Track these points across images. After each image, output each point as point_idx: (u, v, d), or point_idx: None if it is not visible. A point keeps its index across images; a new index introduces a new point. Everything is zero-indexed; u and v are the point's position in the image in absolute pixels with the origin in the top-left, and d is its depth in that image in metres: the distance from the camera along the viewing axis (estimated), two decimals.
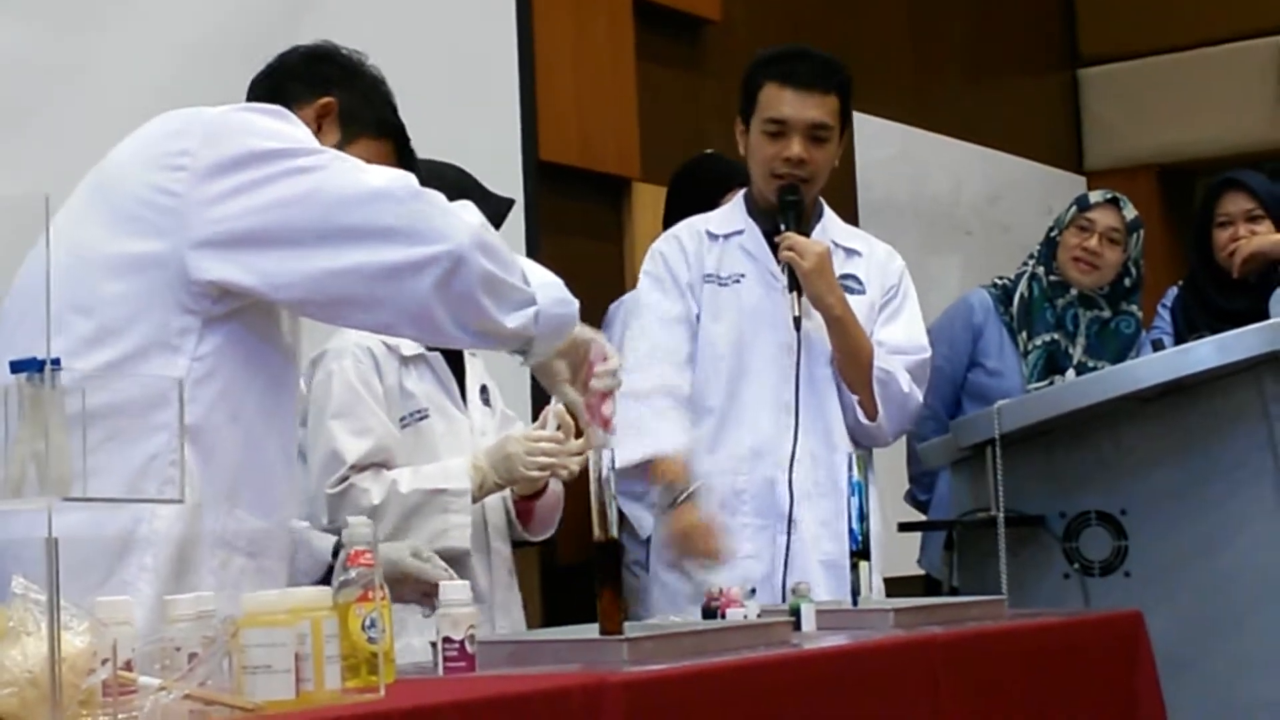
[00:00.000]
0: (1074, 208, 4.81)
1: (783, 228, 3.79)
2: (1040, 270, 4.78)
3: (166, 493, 2.35)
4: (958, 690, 2.85)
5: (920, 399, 3.87)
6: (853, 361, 3.77)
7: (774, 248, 3.82)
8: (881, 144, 7.07)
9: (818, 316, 3.75)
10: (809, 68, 3.85)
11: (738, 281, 3.86)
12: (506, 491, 3.53)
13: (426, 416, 3.46)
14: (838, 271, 3.79)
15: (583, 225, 5.33)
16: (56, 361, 1.75)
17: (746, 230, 3.90)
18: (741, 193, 3.99)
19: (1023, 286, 4.78)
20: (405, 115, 4.58)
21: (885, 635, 2.95)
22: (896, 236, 6.98)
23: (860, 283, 3.89)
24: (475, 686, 2.16)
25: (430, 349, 3.45)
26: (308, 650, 1.97)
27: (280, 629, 1.95)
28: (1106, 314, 4.74)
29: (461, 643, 2.37)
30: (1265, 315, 4.11)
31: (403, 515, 3.33)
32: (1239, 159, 7.74)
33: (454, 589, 2.41)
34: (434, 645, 2.40)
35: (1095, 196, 4.82)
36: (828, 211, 3.96)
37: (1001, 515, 4.15)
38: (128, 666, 1.89)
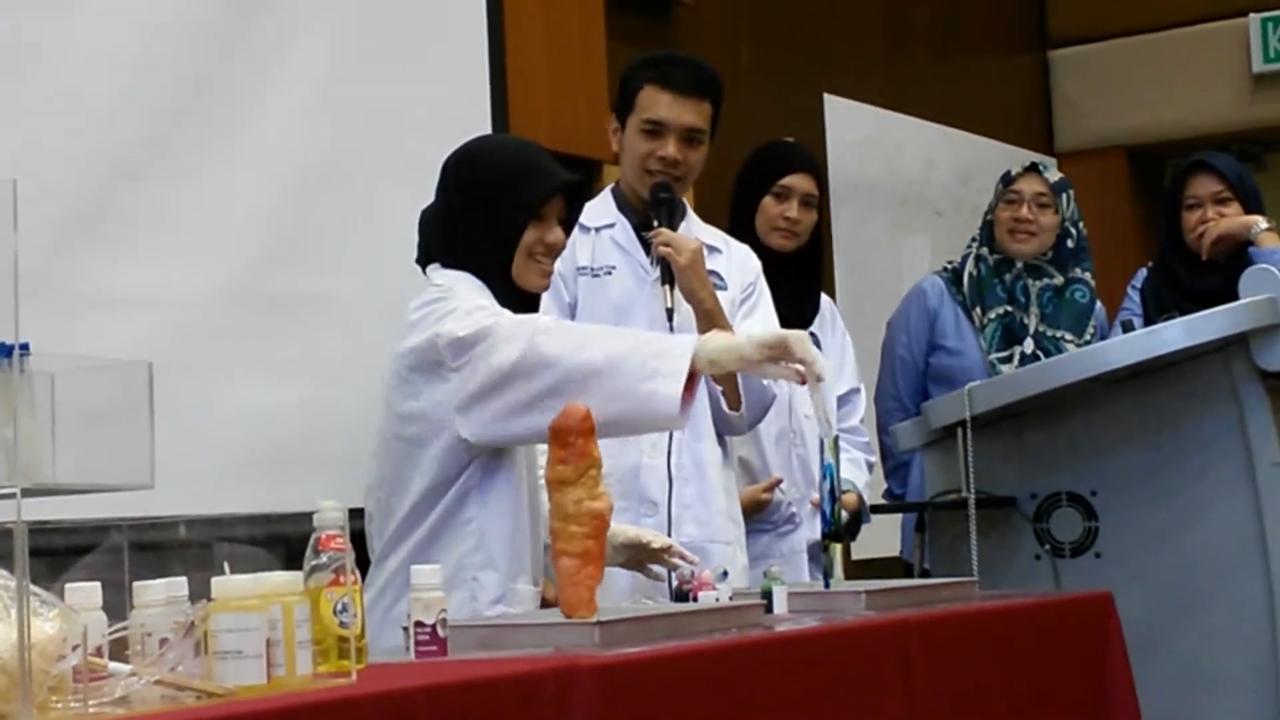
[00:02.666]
0: (999, 184, 4.89)
1: (656, 223, 3.88)
2: (984, 251, 4.84)
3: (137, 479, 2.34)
4: (930, 671, 2.85)
5: (776, 393, 3.92)
6: None
7: (644, 242, 3.91)
8: (853, 125, 7.07)
9: (686, 309, 3.80)
10: (687, 74, 3.95)
11: (609, 273, 3.94)
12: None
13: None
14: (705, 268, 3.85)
15: None
16: (25, 346, 1.74)
17: (618, 224, 3.99)
18: (609, 187, 4.05)
19: (970, 266, 4.85)
20: (371, 95, 4.59)
21: (857, 617, 2.95)
22: (868, 217, 7.05)
23: (722, 279, 3.98)
24: (446, 670, 2.16)
25: None
26: (279, 635, 1.97)
27: (251, 614, 1.94)
28: (1058, 280, 4.80)
29: (433, 627, 2.36)
30: (1234, 296, 4.12)
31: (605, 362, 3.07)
32: (1208, 140, 7.78)
33: (424, 573, 2.40)
34: (405, 630, 2.40)
35: (1016, 169, 4.90)
36: (690, 211, 4.06)
37: (972, 497, 4.16)
38: (98, 653, 1.88)
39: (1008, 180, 4.87)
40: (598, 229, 3.98)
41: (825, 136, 6.84)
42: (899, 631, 2.86)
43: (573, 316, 3.89)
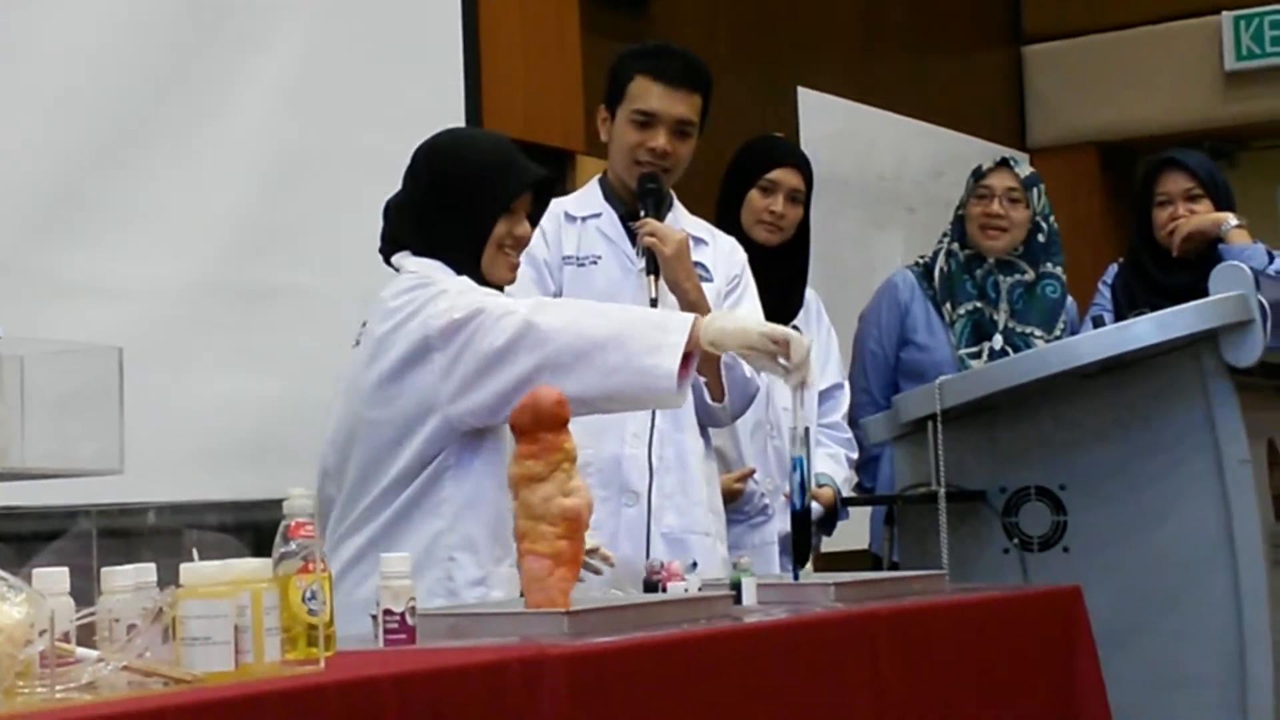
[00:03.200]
0: (970, 179, 4.90)
1: (642, 213, 3.88)
2: (955, 246, 4.87)
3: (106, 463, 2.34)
4: (898, 664, 2.86)
5: (760, 385, 3.93)
6: None
7: (630, 232, 3.91)
8: (826, 119, 7.08)
9: (670, 300, 3.81)
10: (679, 66, 3.96)
11: (594, 263, 3.94)
12: None
13: None
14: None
15: None
16: None
17: (604, 213, 3.99)
18: (597, 177, 4.05)
19: (941, 261, 4.87)
20: (345, 85, 4.58)
21: (826, 609, 2.95)
22: (840, 212, 7.05)
23: (708, 270, 3.98)
24: (415, 659, 2.15)
25: None
26: (247, 622, 1.96)
27: (220, 600, 1.94)
28: (1029, 276, 4.81)
29: (402, 615, 2.36)
30: (1205, 292, 4.13)
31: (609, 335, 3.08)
32: (1180, 137, 7.80)
33: (394, 560, 2.40)
34: (374, 618, 2.40)
35: (987, 164, 4.92)
36: (677, 202, 4.05)
37: (942, 490, 4.17)
38: (65, 638, 1.88)
39: (979, 175, 4.88)
40: (584, 218, 3.98)
41: (798, 130, 6.84)
42: (868, 624, 2.86)
43: None
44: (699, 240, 3.99)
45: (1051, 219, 4.87)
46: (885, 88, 7.54)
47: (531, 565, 2.59)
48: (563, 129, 5.62)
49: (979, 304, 4.80)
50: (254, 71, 4.32)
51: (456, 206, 3.28)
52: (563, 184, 5.62)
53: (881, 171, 7.47)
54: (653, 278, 3.81)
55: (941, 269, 4.86)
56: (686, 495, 3.85)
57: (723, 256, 4.05)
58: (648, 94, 3.92)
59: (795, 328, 4.31)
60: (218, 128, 4.20)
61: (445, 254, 3.28)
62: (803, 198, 4.48)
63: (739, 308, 3.98)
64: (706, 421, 3.92)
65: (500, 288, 3.31)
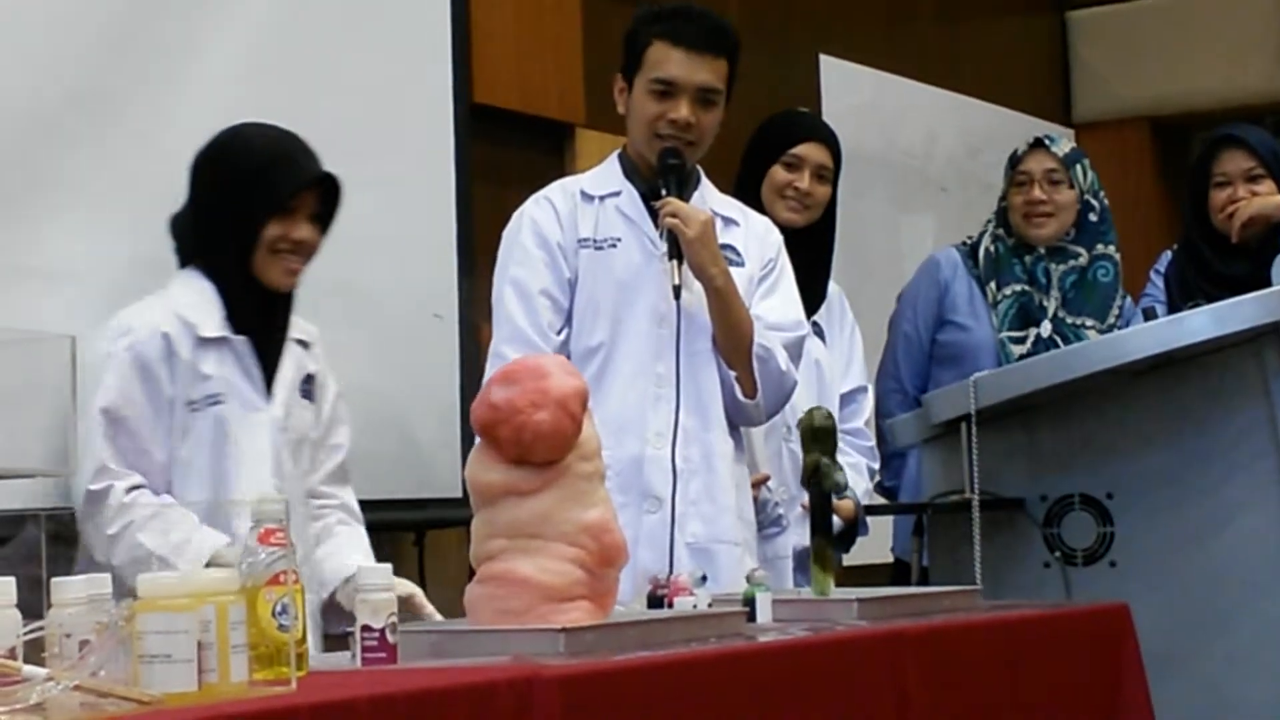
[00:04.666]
0: (1007, 168, 4.92)
1: (664, 192, 3.86)
2: (1000, 232, 4.86)
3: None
4: (927, 688, 2.86)
5: (796, 379, 3.93)
6: (733, 336, 3.84)
7: (652, 212, 3.90)
8: (849, 90, 7.08)
9: (697, 287, 3.81)
10: (700, 29, 3.94)
11: (614, 246, 3.92)
12: None
13: (220, 403, 3.47)
14: (718, 241, 3.85)
15: (521, 175, 5.31)
16: None
17: (624, 192, 3.97)
18: (616, 153, 4.04)
19: (986, 242, 4.85)
20: (326, 53, 4.58)
21: (849, 628, 2.96)
22: (865, 193, 7.05)
23: (739, 254, 3.97)
24: (395, 680, 2.16)
25: (238, 332, 3.50)
26: (212, 638, 1.96)
27: (181, 614, 1.94)
28: (1083, 260, 4.80)
29: (382, 631, 2.36)
30: (1266, 282, 4.14)
31: (129, 563, 3.25)
32: (1238, 111, 7.78)
33: (374, 572, 2.40)
34: (351, 635, 2.40)
35: (1022, 148, 4.92)
36: (705, 179, 4.04)
37: (976, 498, 4.17)
38: (11, 654, 1.88)
39: (1014, 161, 4.89)
40: (602, 198, 3.96)
41: (820, 102, 6.84)
42: (894, 644, 2.86)
43: (572, 292, 3.88)
44: (730, 221, 3.98)
45: (1101, 195, 4.86)
46: (916, 56, 7.54)
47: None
48: (560, 100, 5.61)
49: (1027, 287, 4.79)
50: (216, 36, 4.31)
51: (224, 209, 3.46)
52: (559, 161, 5.63)
53: (911, 148, 7.47)
54: (675, 262, 3.79)
55: (988, 249, 4.84)
56: (714, 501, 3.84)
57: (755, 239, 4.02)
58: (667, 60, 3.89)
59: (816, 324, 4.34)
60: (175, 97, 4.20)
61: (212, 261, 3.48)
62: (830, 176, 4.49)
63: (773, 295, 3.97)
64: (738, 420, 3.91)
65: (283, 296, 3.52)
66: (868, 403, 4.69)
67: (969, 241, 4.96)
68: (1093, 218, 4.82)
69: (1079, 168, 4.84)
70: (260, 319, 3.52)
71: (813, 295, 4.42)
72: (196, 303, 3.48)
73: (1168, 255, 5.04)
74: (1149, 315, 4.46)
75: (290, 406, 3.58)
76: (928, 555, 4.37)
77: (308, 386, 3.64)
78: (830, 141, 4.53)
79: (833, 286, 4.63)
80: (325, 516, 3.68)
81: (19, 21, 3.90)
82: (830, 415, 3.31)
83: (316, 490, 3.67)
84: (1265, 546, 4.07)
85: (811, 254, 4.44)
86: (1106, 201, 4.88)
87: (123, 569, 3.17)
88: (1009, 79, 8.19)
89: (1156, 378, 4.19)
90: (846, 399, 4.61)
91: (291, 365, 3.60)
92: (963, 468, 4.20)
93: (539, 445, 2.64)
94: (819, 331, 4.51)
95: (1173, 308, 4.70)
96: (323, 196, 3.54)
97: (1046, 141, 4.90)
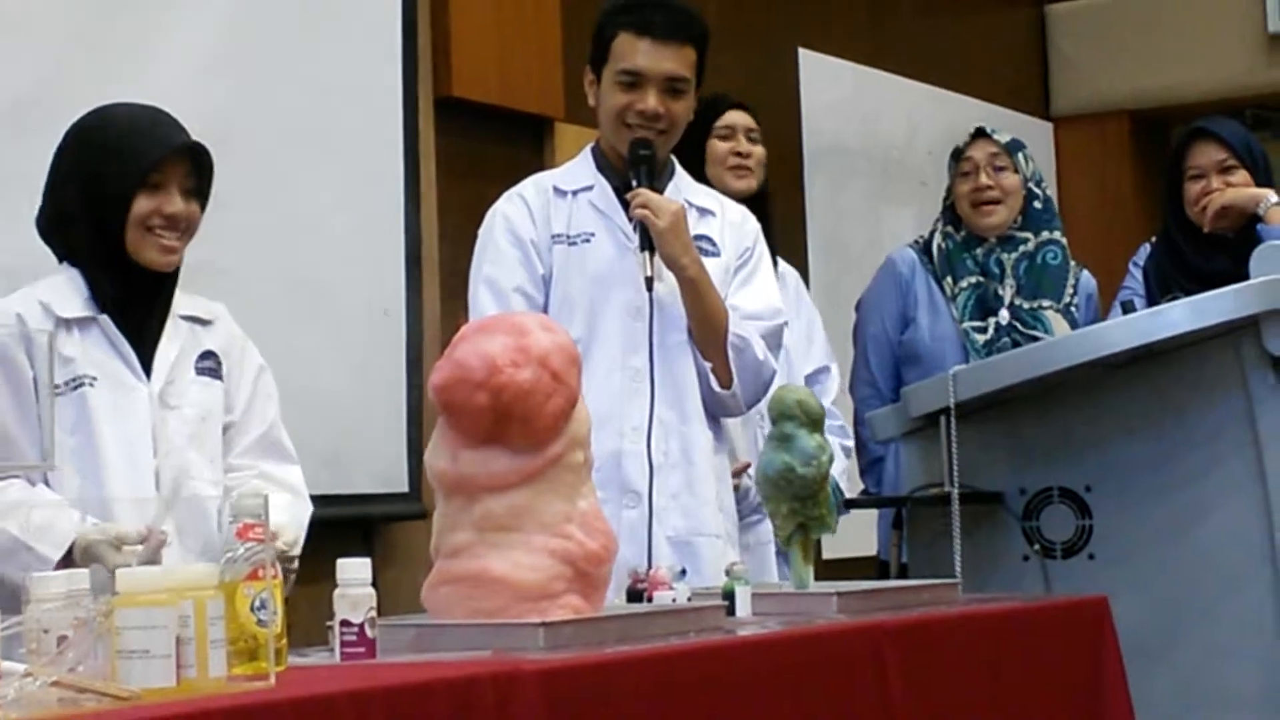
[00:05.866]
0: (950, 161, 5.00)
1: (635, 184, 3.87)
2: (950, 229, 4.93)
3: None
4: (907, 681, 2.86)
5: (775, 368, 3.94)
6: (707, 326, 3.84)
7: (625, 204, 3.90)
8: (830, 84, 7.08)
9: (671, 279, 3.81)
10: (665, 18, 3.93)
11: (587, 240, 3.93)
12: None
13: (85, 385, 3.31)
14: (691, 232, 3.86)
15: (498, 170, 5.30)
16: None
17: (596, 186, 3.97)
18: (589, 146, 4.05)
19: (938, 240, 4.91)
20: (296, 42, 4.57)
21: (828, 621, 2.96)
22: (845, 186, 7.06)
23: (714, 244, 3.97)
24: (374, 674, 2.15)
25: (104, 311, 3.36)
26: (190, 633, 1.96)
27: (160, 609, 1.94)
28: (1030, 246, 4.85)
29: (361, 626, 2.36)
30: (1245, 276, 4.13)
31: None
32: (1218, 104, 7.81)
33: (353, 566, 2.40)
34: (330, 628, 2.40)
35: (963, 139, 5.00)
36: (679, 169, 4.05)
37: (955, 491, 4.17)
38: None
39: (957, 154, 4.97)
40: (574, 192, 3.96)
41: (799, 96, 6.85)
42: (874, 637, 2.87)
43: (547, 288, 3.88)
44: (705, 211, 3.99)
45: (1044, 184, 4.96)
46: (895, 50, 7.55)
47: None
48: (540, 94, 5.61)
49: (981, 279, 4.84)
50: (176, 29, 4.30)
51: (87, 186, 3.31)
52: (538, 155, 5.62)
53: (890, 141, 7.48)
54: (648, 254, 3.80)
55: (939, 246, 4.90)
56: (694, 494, 3.84)
57: (732, 228, 4.03)
58: (633, 51, 3.90)
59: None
60: (134, 92, 4.19)
61: (72, 242, 3.34)
62: (758, 137, 4.66)
63: (750, 284, 3.97)
64: (717, 410, 3.91)
65: (164, 275, 3.37)
66: (831, 381, 4.75)
67: (921, 240, 5.01)
68: (1037, 205, 4.91)
69: (1021, 156, 4.91)
70: (130, 298, 3.36)
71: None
72: (59, 286, 3.34)
73: (1146, 248, 5.05)
74: (1127, 308, 4.47)
75: (179, 384, 3.41)
76: (907, 549, 4.38)
77: (207, 363, 3.48)
78: (747, 107, 4.71)
79: (786, 268, 4.68)
80: (240, 486, 3.46)
81: None
82: (814, 395, 3.31)
83: (231, 464, 3.52)
84: (1244, 539, 4.08)
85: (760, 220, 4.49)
86: (1049, 190, 4.95)
87: None
88: (988, 72, 8.20)
89: (1135, 371, 4.19)
90: (811, 379, 4.63)
91: (176, 342, 3.44)
92: (942, 461, 4.21)
93: (518, 407, 2.59)
94: None
95: (1151, 301, 4.71)
96: (197, 171, 3.37)
97: (988, 130, 4.98)
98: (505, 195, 4.01)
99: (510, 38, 5.47)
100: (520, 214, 3.94)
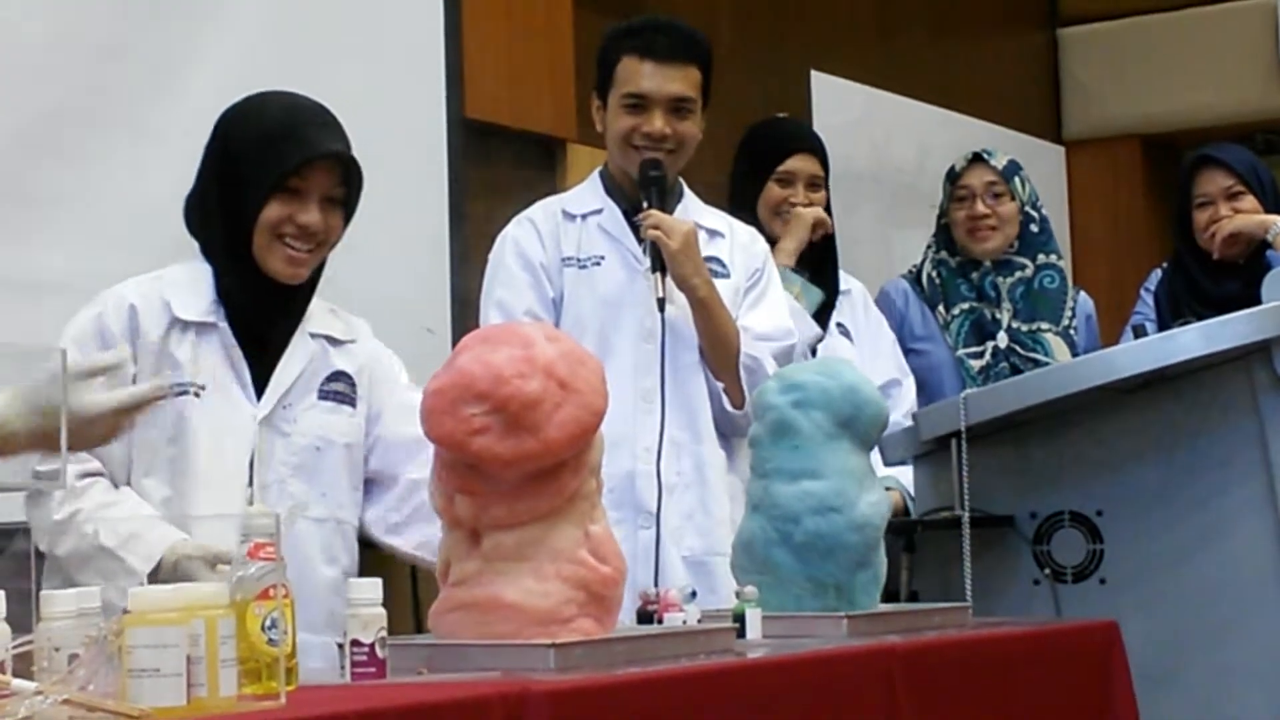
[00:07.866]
0: (945, 183, 4.99)
1: (645, 204, 3.88)
2: (943, 255, 4.93)
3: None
4: (917, 705, 2.86)
5: None
6: (719, 346, 3.86)
7: (634, 227, 3.92)
8: (840, 107, 7.08)
9: (682, 300, 3.83)
10: (668, 39, 3.95)
11: (597, 264, 3.94)
12: None
13: (189, 393, 3.12)
14: (701, 254, 3.86)
15: (512, 191, 5.32)
16: None
17: (605, 210, 3.99)
18: (597, 170, 4.06)
19: (929, 269, 4.93)
20: (318, 65, 4.58)
21: (838, 644, 2.95)
22: (856, 208, 7.05)
23: (724, 265, 3.99)
24: (385, 694, 2.15)
25: (229, 320, 3.17)
26: (201, 652, 1.96)
27: (170, 628, 1.94)
28: (1029, 271, 4.86)
29: (371, 646, 2.36)
30: (1256, 300, 4.13)
31: (73, 553, 2.99)
32: (1230, 129, 7.81)
33: (364, 586, 2.40)
34: (341, 647, 2.40)
35: (959, 163, 4.99)
36: (688, 191, 4.06)
37: (966, 515, 4.17)
38: (1, 668, 1.87)
39: (952, 176, 4.96)
40: (584, 216, 3.98)
41: (811, 118, 6.85)
42: (884, 660, 2.86)
43: (557, 311, 3.89)
44: (715, 233, 4.00)
45: (1040, 206, 4.95)
46: (907, 72, 7.55)
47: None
48: (552, 114, 5.62)
49: (977, 304, 4.85)
50: (205, 47, 4.32)
51: (227, 182, 3.15)
52: (551, 176, 5.63)
53: (901, 164, 7.48)
54: (659, 275, 3.81)
55: (930, 276, 4.92)
56: (709, 514, 3.85)
57: (741, 249, 4.04)
58: (637, 74, 3.92)
59: (840, 325, 4.37)
60: (164, 109, 4.21)
61: (207, 240, 3.19)
62: (822, 182, 4.58)
63: (760, 305, 3.98)
64: (728, 430, 3.92)
65: (288, 286, 3.18)
66: (904, 395, 4.69)
67: (913, 270, 5.03)
68: (1034, 229, 4.92)
69: (1017, 180, 4.91)
70: (256, 306, 3.18)
71: (827, 296, 4.47)
72: (185, 283, 3.19)
73: (1157, 273, 5.07)
74: (1139, 333, 4.47)
75: (294, 408, 3.22)
76: (917, 572, 4.37)
77: (334, 386, 3.30)
78: (818, 149, 4.61)
79: (855, 284, 4.68)
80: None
81: (6, 32, 3.90)
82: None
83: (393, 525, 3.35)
84: (1255, 564, 4.07)
85: (817, 260, 4.49)
86: (1046, 212, 4.96)
87: (67, 560, 2.98)
88: (1000, 95, 8.20)
89: (1147, 395, 4.19)
90: (881, 392, 4.62)
91: (300, 361, 3.24)
92: (952, 485, 4.20)
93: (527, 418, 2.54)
94: (844, 330, 4.58)
95: (1163, 326, 4.71)
96: (344, 180, 3.18)
97: (985, 155, 4.97)
98: (515, 219, 4.03)
99: (523, 61, 5.48)
100: (530, 237, 3.95)
